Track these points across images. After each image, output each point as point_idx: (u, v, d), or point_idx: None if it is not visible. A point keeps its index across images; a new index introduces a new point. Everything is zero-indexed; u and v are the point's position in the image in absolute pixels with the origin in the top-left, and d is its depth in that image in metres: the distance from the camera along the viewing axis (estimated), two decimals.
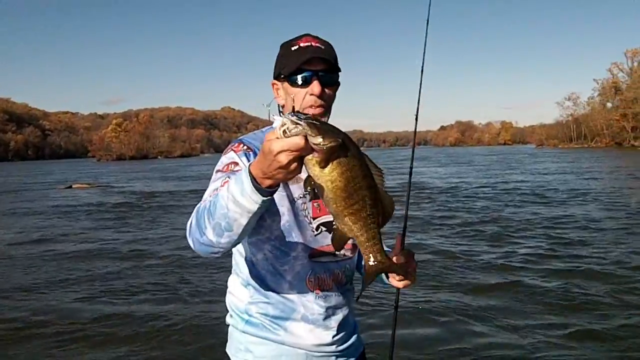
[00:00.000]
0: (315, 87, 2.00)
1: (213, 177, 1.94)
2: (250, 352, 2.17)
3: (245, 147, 2.02)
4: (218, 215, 1.66)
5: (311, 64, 2.00)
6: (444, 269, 8.87)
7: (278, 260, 2.09)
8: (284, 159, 1.45)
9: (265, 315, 2.13)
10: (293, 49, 2.03)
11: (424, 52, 2.57)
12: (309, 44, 2.03)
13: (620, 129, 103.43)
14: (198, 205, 1.79)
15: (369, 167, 1.54)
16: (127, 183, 36.72)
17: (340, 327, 2.17)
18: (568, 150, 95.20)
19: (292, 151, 1.44)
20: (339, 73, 2.12)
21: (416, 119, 2.62)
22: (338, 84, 2.12)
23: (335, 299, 2.15)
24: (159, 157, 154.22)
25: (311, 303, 2.09)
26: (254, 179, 1.56)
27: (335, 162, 1.47)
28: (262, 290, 2.13)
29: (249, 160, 1.94)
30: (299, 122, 1.43)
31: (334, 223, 1.61)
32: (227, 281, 2.27)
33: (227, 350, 2.26)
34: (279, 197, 1.98)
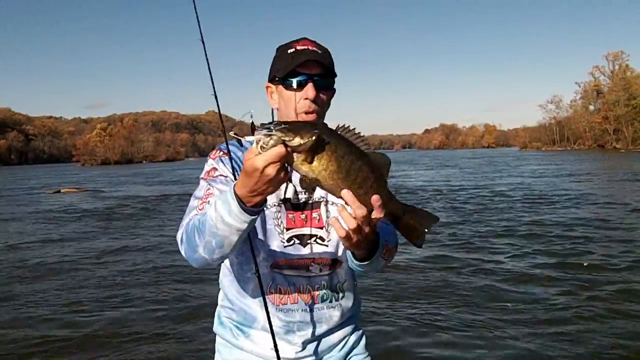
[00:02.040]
0: (310, 90, 1.94)
1: (197, 188, 2.00)
2: (219, 352, 2.20)
3: (221, 153, 2.04)
4: (208, 234, 1.70)
5: (306, 67, 1.95)
6: (438, 276, 9.00)
7: (241, 267, 2.06)
8: (271, 171, 1.46)
9: (230, 319, 2.14)
10: (289, 51, 1.98)
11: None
12: (305, 47, 1.97)
13: (602, 131, 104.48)
14: (186, 221, 1.86)
15: (349, 140, 1.55)
16: (114, 187, 36.56)
17: (309, 345, 2.08)
18: (552, 152, 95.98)
19: (276, 162, 1.45)
20: (335, 79, 2.08)
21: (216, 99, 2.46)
22: (333, 90, 2.08)
23: (300, 314, 2.04)
24: (144, 161, 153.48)
25: (271, 315, 1.99)
26: (239, 200, 1.58)
27: (320, 152, 1.48)
28: (228, 296, 2.15)
29: (224, 165, 1.99)
30: (271, 133, 1.44)
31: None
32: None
33: None
34: None
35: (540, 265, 9.24)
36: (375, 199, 1.55)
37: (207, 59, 2.29)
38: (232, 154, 2.01)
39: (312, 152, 1.48)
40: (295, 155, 1.48)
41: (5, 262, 11.20)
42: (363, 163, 1.54)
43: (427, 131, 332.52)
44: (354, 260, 1.88)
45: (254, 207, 1.60)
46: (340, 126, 1.57)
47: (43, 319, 7.27)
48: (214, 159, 2.05)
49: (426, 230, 1.72)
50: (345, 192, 1.53)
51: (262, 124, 1.48)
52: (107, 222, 17.55)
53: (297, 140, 1.45)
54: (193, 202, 1.93)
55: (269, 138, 1.44)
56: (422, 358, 5.66)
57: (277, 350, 1.98)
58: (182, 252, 1.85)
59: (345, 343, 2.19)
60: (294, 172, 1.94)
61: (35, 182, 48.10)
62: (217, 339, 2.21)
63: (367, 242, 1.69)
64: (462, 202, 19.81)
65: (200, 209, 1.86)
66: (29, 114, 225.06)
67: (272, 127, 1.45)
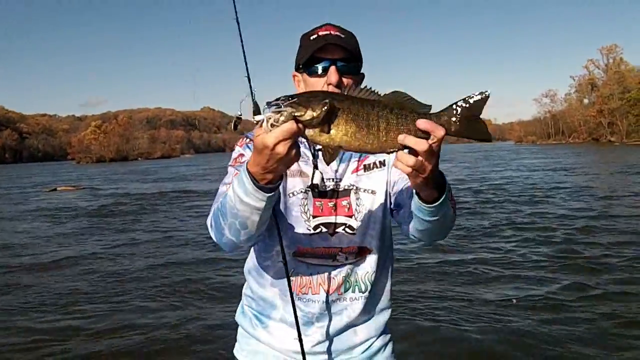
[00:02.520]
0: (333, 76, 1.89)
1: (227, 173, 1.98)
2: (238, 342, 2.18)
3: (247, 140, 2.00)
4: (230, 216, 1.67)
5: (328, 52, 1.89)
6: (437, 271, 9.02)
7: (261, 255, 2.03)
8: (282, 149, 1.41)
9: (250, 308, 2.11)
10: (312, 38, 1.94)
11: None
12: (327, 32, 1.92)
13: (597, 124, 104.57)
14: (214, 206, 1.82)
15: (358, 97, 1.48)
16: (111, 185, 36.40)
17: (327, 340, 2.01)
18: (547, 146, 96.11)
19: (288, 139, 1.40)
20: (361, 64, 2.01)
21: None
22: (361, 75, 2.01)
23: (320, 305, 1.97)
24: (139, 158, 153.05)
25: (290, 305, 1.94)
26: (253, 178, 1.54)
27: (334, 119, 1.43)
28: (250, 284, 2.11)
29: (251, 150, 1.83)
30: (281, 109, 1.38)
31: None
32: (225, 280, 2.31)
33: None
34: None
35: (543, 259, 9.29)
36: (420, 123, 1.45)
37: (241, 41, 2.19)
38: None
39: (327, 122, 1.42)
40: (310, 129, 1.42)
41: (4, 260, 11.17)
42: (380, 109, 1.46)
43: None
44: (424, 205, 1.67)
45: (268, 184, 1.55)
46: (350, 87, 1.50)
47: (44, 316, 7.26)
48: (240, 146, 2.01)
49: (479, 114, 1.54)
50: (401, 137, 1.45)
51: (268, 102, 1.42)
52: (106, 220, 17.51)
53: (309, 114, 1.39)
54: (221, 188, 1.90)
55: (279, 115, 1.38)
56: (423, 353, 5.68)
57: (301, 342, 1.92)
58: (212, 237, 1.83)
59: (369, 346, 2.08)
60: (319, 159, 1.96)
61: (31, 181, 47.87)
62: (239, 328, 2.18)
63: (433, 178, 1.55)
64: (460, 196, 19.85)
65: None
66: (23, 112, 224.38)
67: (281, 103, 1.39)
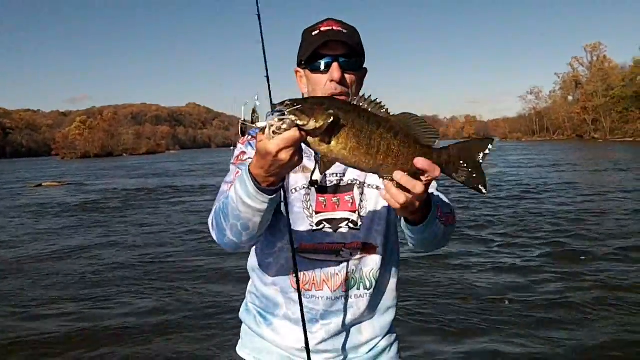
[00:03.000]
0: (335, 72, 1.87)
1: (229, 171, 1.96)
2: (242, 339, 2.15)
3: (250, 137, 1.97)
4: (232, 217, 1.68)
5: (331, 48, 1.87)
6: (428, 269, 9.03)
7: (264, 251, 2.01)
8: (285, 156, 1.41)
9: (254, 305, 2.08)
10: (313, 33, 1.92)
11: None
12: (329, 28, 1.90)
13: (581, 121, 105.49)
14: (215, 206, 1.82)
15: (366, 110, 1.44)
16: (96, 181, 36.24)
17: (332, 337, 1.97)
18: (532, 143, 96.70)
19: (290, 146, 1.39)
20: (364, 59, 1.99)
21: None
22: (363, 70, 1.99)
23: (324, 302, 1.94)
24: (124, 154, 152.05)
25: (294, 302, 1.92)
26: (255, 180, 1.55)
27: (337, 132, 1.39)
28: (254, 281, 2.09)
29: (253, 149, 1.89)
30: (284, 117, 1.36)
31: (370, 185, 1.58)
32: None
33: None
34: None
35: (534, 256, 9.39)
36: (418, 162, 1.43)
37: (262, 37, 2.10)
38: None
39: (329, 133, 1.39)
40: (312, 137, 1.39)
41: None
42: (385, 131, 1.42)
43: None
44: (410, 226, 1.72)
45: (270, 186, 1.55)
46: (361, 97, 1.45)
47: (28, 310, 7.26)
48: (242, 144, 1.99)
49: (480, 161, 1.51)
50: (387, 184, 1.45)
51: (273, 107, 1.40)
52: (92, 215, 17.45)
53: (312, 124, 1.36)
54: (223, 187, 1.89)
55: (281, 122, 1.36)
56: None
57: (307, 340, 1.89)
58: (214, 237, 1.83)
59: (375, 346, 2.05)
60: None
61: (15, 176, 47.50)
62: (243, 325, 2.16)
63: (419, 206, 1.55)
64: (448, 192, 19.93)
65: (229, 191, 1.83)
66: (6, 108, 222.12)
67: (284, 110, 1.36)
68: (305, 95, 2.00)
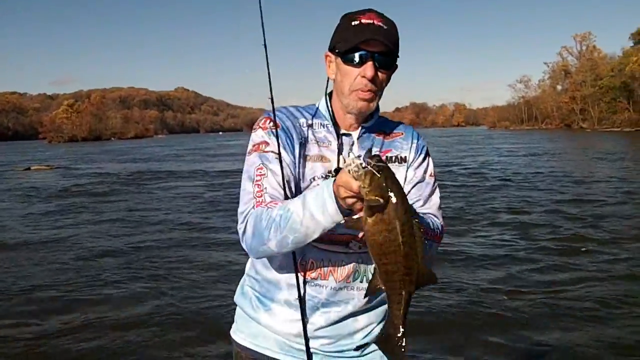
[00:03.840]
0: (369, 69, 1.83)
1: (247, 159, 1.92)
2: (236, 323, 2.15)
3: (271, 125, 1.92)
4: (288, 230, 1.67)
5: (369, 44, 1.83)
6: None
7: None
8: (342, 193, 1.49)
9: (253, 289, 2.08)
10: (353, 24, 1.85)
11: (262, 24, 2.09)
12: (371, 21, 1.84)
13: (569, 111, 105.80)
14: (247, 209, 1.80)
15: (413, 231, 1.49)
16: (85, 165, 36.07)
17: (330, 325, 1.99)
18: (520, 131, 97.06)
19: (347, 189, 1.47)
20: (398, 56, 1.94)
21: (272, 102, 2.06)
22: (395, 68, 1.96)
23: (327, 291, 1.95)
24: (112, 138, 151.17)
25: (296, 288, 1.91)
26: (337, 199, 1.56)
27: (378, 217, 1.46)
28: (256, 265, 2.08)
29: (277, 140, 1.88)
30: (359, 168, 1.45)
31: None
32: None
33: None
34: (294, 172, 1.90)
35: (525, 245, 9.48)
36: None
37: (260, 8, 2.07)
38: (281, 123, 1.93)
39: (370, 212, 1.45)
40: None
41: None
42: (404, 261, 1.49)
43: (397, 109, 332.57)
44: None
45: (348, 208, 1.55)
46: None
47: (15, 298, 7.22)
48: (264, 129, 1.93)
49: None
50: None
51: (370, 151, 1.51)
52: (83, 200, 17.39)
53: (365, 192, 1.44)
54: (247, 185, 1.86)
55: (357, 169, 1.45)
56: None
57: (305, 326, 1.92)
58: (245, 243, 1.82)
59: (370, 332, 2.07)
60: (344, 142, 1.95)
61: (3, 160, 47.07)
62: (237, 309, 2.16)
63: None
64: (442, 180, 19.99)
65: (258, 196, 1.81)
66: None
67: (366, 163, 1.44)
68: (332, 82, 1.99)
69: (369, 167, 1.44)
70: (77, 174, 28.04)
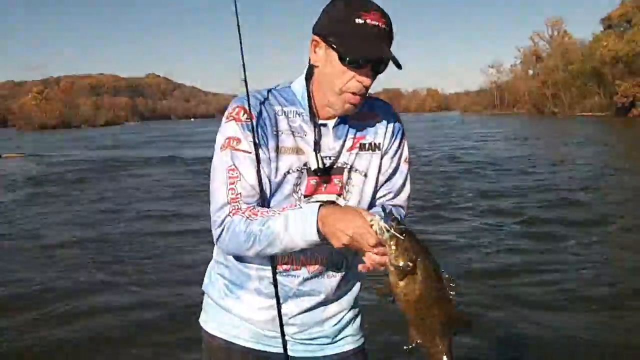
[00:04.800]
0: (367, 75, 1.76)
1: (218, 153, 1.83)
2: (205, 312, 2.12)
3: (245, 117, 1.81)
4: (267, 245, 1.72)
5: (373, 50, 1.73)
6: None
7: None
8: (344, 239, 1.58)
9: (222, 276, 2.03)
10: (357, 21, 1.70)
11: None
12: (377, 23, 1.71)
13: (541, 96, 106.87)
14: (221, 217, 1.78)
15: (444, 286, 1.59)
16: (56, 152, 35.56)
17: (302, 314, 1.98)
18: (492, 117, 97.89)
19: (356, 241, 1.56)
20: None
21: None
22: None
23: (299, 281, 1.93)
24: (83, 126, 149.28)
25: (268, 278, 1.89)
26: (318, 229, 1.63)
27: (409, 277, 1.54)
28: (224, 253, 2.00)
29: (250, 134, 1.78)
30: (383, 231, 1.53)
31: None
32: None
33: None
34: (267, 169, 1.83)
35: (496, 230, 9.58)
36: None
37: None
38: (255, 113, 1.81)
39: (401, 276, 1.54)
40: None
41: None
42: (439, 314, 1.58)
43: (369, 96, 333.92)
44: None
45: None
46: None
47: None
48: (237, 122, 1.81)
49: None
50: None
51: (396, 221, 1.56)
52: (55, 188, 17.19)
53: (392, 257, 1.53)
54: (219, 186, 1.81)
55: (382, 232, 1.53)
56: None
57: (280, 315, 1.90)
58: (221, 245, 1.83)
59: (340, 319, 2.07)
60: (323, 134, 1.88)
61: None
62: (206, 298, 2.12)
63: None
64: (415, 167, 20.11)
65: (233, 201, 1.78)
66: None
67: (394, 231, 1.52)
68: (316, 69, 1.85)
69: (392, 230, 1.52)
70: (50, 162, 27.69)
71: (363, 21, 1.70)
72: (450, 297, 1.59)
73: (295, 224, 1.66)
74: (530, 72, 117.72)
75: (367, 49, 1.71)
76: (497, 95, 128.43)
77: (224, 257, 2.01)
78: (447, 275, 1.59)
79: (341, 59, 1.74)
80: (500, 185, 14.56)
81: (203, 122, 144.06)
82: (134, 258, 8.32)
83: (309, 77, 1.90)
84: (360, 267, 1.67)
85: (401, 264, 1.51)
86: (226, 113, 1.86)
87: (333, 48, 1.75)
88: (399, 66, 1.77)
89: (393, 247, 1.51)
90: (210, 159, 1.86)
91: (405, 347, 1.64)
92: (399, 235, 1.51)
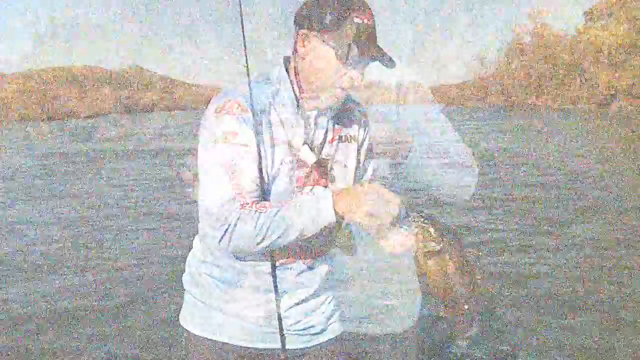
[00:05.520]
0: (359, 79, 1.84)
1: (214, 148, 1.80)
2: (189, 312, 2.10)
3: (240, 111, 1.80)
4: (279, 234, 1.73)
5: (369, 50, 1.80)
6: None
7: None
8: (362, 213, 1.65)
9: (211, 276, 2.01)
10: (356, 20, 1.74)
11: None
12: (370, 23, 1.79)
13: (524, 88, 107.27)
14: (223, 213, 1.73)
15: (469, 262, 1.77)
16: (39, 145, 35.01)
17: (295, 306, 2.02)
18: (476, 109, 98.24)
19: (373, 216, 1.64)
20: None
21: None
22: None
23: (294, 274, 1.97)
24: (65, 118, 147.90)
25: (265, 273, 1.91)
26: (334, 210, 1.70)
27: (437, 258, 1.71)
28: (213, 250, 2.00)
29: (247, 127, 1.78)
30: (415, 224, 1.70)
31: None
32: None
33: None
34: (264, 163, 1.85)
35: (482, 225, 9.61)
36: None
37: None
38: (248, 106, 1.81)
39: (428, 257, 1.71)
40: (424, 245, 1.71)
41: None
42: (464, 292, 1.75)
43: None
44: None
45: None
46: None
47: None
48: (232, 115, 1.80)
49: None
50: None
51: (427, 216, 1.73)
52: (37, 182, 16.98)
53: (423, 241, 1.68)
54: (219, 185, 1.78)
55: (420, 231, 1.70)
56: None
57: (279, 309, 1.93)
58: (224, 243, 1.78)
59: (328, 308, 2.14)
60: (311, 125, 1.93)
61: None
62: (189, 298, 2.11)
63: None
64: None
65: (239, 195, 1.76)
66: None
67: (419, 219, 1.70)
68: (300, 61, 1.87)
69: (418, 222, 1.69)
70: (32, 155, 27.22)
71: (361, 21, 1.76)
72: (475, 271, 1.76)
73: (310, 209, 1.70)
74: (513, 65, 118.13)
75: (367, 49, 1.78)
76: (481, 87, 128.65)
77: (213, 255, 1.99)
78: (470, 252, 1.77)
79: (339, 57, 1.78)
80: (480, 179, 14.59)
81: (186, 114, 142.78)
82: (112, 252, 8.30)
83: (286, 68, 1.94)
84: (388, 248, 1.77)
85: (431, 247, 1.67)
86: (215, 106, 1.84)
87: (330, 45, 1.78)
88: (392, 66, 1.85)
89: (425, 235, 1.68)
90: (192, 150, 1.87)
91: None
92: (424, 225, 1.69)
